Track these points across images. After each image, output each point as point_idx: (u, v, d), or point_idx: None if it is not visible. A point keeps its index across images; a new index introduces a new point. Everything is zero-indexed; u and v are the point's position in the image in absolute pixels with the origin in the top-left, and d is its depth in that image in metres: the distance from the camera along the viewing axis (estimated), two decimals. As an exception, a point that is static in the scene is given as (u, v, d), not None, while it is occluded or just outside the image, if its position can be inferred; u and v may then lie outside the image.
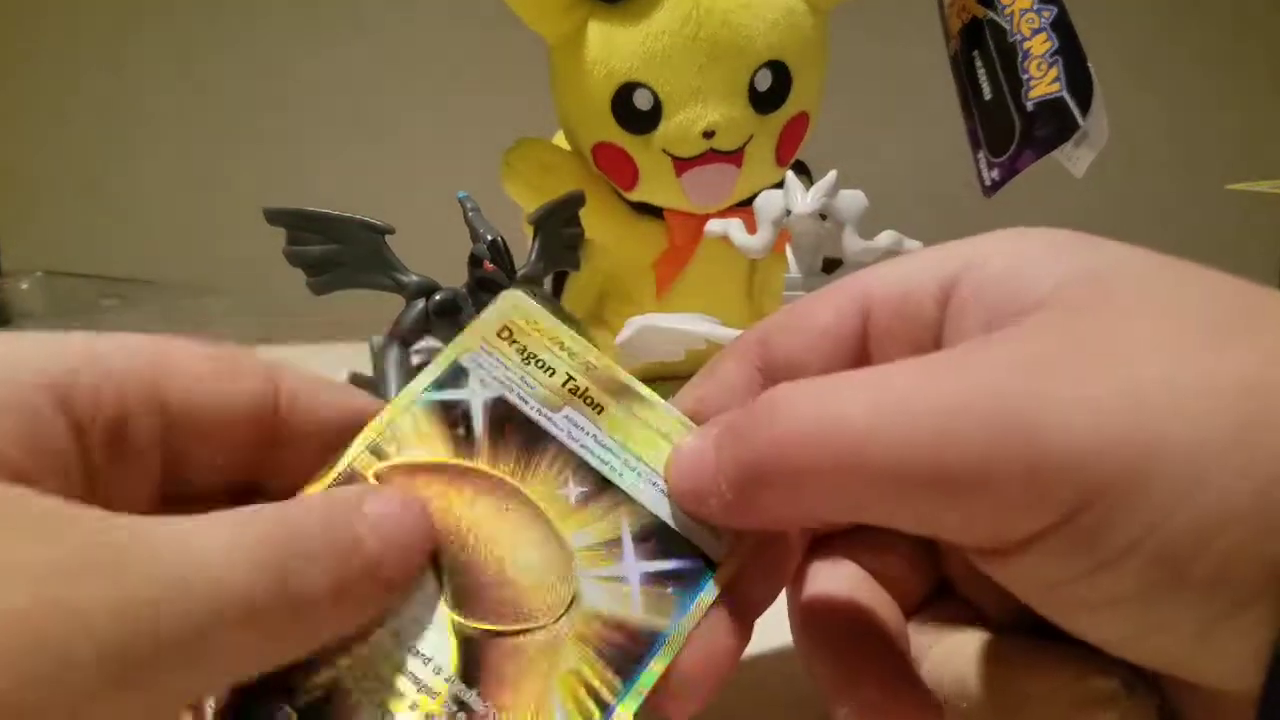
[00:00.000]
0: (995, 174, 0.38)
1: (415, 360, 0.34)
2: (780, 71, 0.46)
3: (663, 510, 0.18)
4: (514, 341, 0.20)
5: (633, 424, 0.20)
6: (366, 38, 1.20)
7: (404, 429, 0.19)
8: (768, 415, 0.15)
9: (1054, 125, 0.36)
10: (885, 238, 0.36)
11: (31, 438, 0.13)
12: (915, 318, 0.17)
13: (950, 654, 0.19)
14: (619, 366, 0.21)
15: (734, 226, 0.39)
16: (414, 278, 0.32)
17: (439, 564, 0.17)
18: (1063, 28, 0.36)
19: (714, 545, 0.18)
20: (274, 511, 0.14)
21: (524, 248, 0.35)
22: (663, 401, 0.21)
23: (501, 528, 0.18)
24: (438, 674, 0.16)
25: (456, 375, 0.19)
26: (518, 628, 0.17)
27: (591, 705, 0.17)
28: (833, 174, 0.36)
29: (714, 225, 0.40)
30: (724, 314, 0.41)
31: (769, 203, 0.37)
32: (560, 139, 0.53)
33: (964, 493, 0.13)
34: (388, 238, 0.32)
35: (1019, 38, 0.37)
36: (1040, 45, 0.36)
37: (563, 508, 0.18)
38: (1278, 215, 0.47)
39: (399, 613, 0.17)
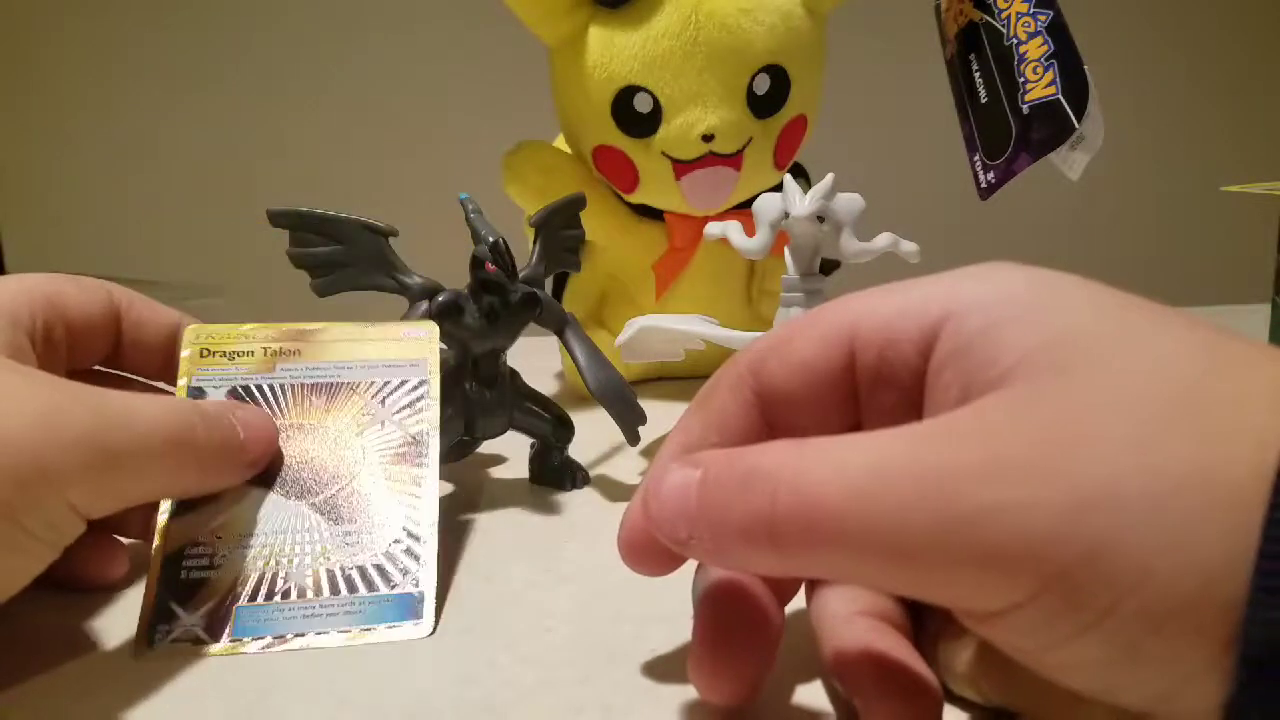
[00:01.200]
0: (991, 177, 0.39)
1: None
2: (779, 75, 0.46)
3: (377, 375, 0.29)
4: (212, 354, 0.28)
5: (327, 347, 0.29)
6: (369, 41, 1.21)
7: None
8: (750, 481, 0.16)
9: (1050, 128, 0.36)
10: (882, 239, 0.36)
11: (11, 346, 0.25)
12: (899, 364, 0.18)
13: (961, 643, 0.19)
14: (291, 323, 0.30)
15: (733, 229, 0.39)
16: (417, 279, 0.32)
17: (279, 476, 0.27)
18: (1058, 31, 0.36)
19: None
20: (187, 399, 0.27)
21: (525, 250, 0.36)
22: (331, 325, 0.30)
23: (295, 446, 0.28)
24: (314, 529, 0.26)
25: (196, 397, 0.28)
26: (336, 487, 0.27)
27: (410, 485, 0.28)
28: (830, 177, 0.36)
29: (713, 227, 0.40)
30: (723, 315, 0.41)
31: (767, 205, 0.37)
32: (561, 142, 0.53)
33: (928, 574, 0.15)
34: (390, 239, 0.32)
35: (1015, 41, 0.37)
36: (1036, 49, 0.37)
37: (320, 413, 0.28)
38: (1273, 217, 0.47)
39: (269, 508, 0.26)
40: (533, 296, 0.33)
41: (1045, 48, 0.36)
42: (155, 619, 0.24)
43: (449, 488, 0.36)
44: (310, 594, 0.25)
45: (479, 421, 0.34)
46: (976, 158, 0.40)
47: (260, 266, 0.44)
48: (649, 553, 0.21)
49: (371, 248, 0.32)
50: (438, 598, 0.25)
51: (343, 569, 0.26)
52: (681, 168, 0.46)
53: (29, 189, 1.20)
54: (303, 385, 0.29)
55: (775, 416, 0.20)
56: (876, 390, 0.19)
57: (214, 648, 0.24)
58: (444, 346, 0.34)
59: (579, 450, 0.37)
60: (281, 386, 0.28)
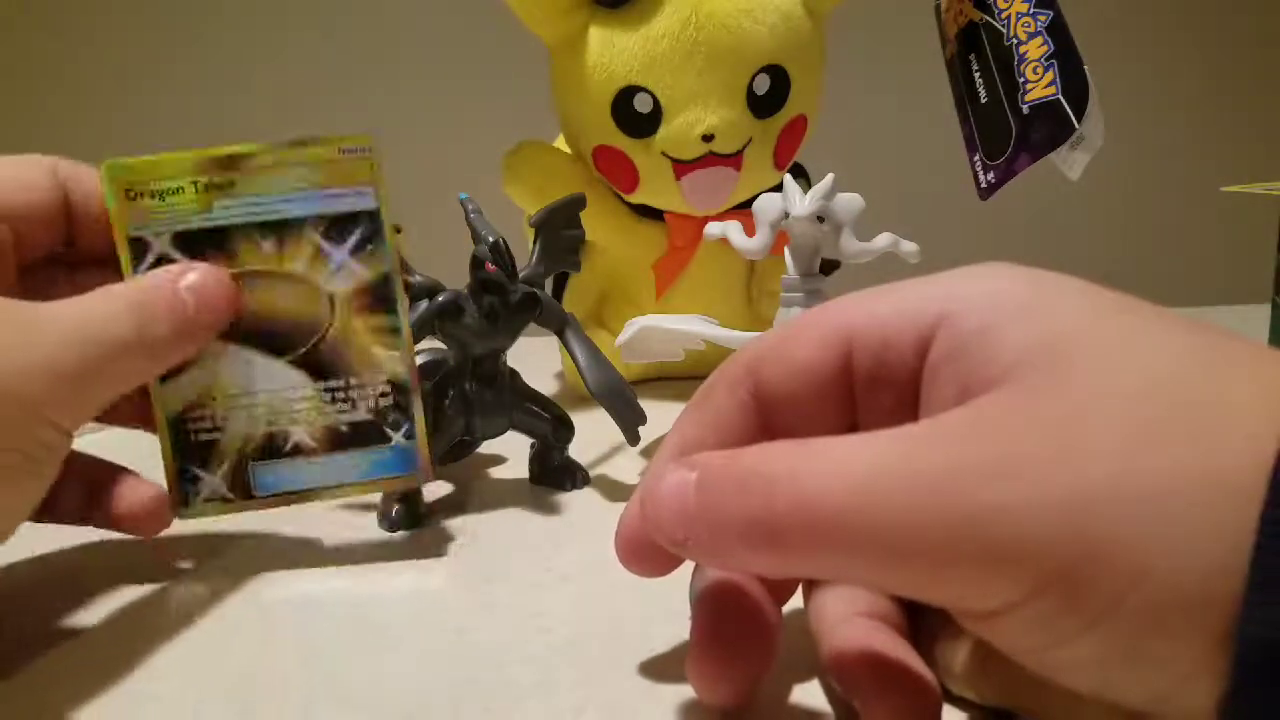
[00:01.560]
0: (991, 177, 0.39)
1: (420, 360, 0.34)
2: (778, 75, 0.46)
3: (324, 204, 0.27)
4: (140, 195, 0.27)
5: (262, 176, 0.27)
6: (368, 40, 1.21)
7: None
8: (748, 482, 0.16)
9: (1050, 128, 0.36)
10: (882, 239, 0.36)
11: None
12: (896, 364, 0.18)
13: (959, 643, 0.19)
14: (214, 148, 0.27)
15: (733, 229, 0.39)
16: (417, 279, 0.32)
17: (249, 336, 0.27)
18: (1059, 31, 0.36)
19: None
20: (128, 290, 0.25)
21: (525, 249, 0.36)
22: (261, 148, 0.27)
23: (260, 296, 0.27)
24: (301, 386, 0.27)
25: (139, 249, 0.27)
26: (313, 340, 0.27)
27: (383, 335, 0.28)
28: (830, 177, 0.36)
29: (713, 227, 0.40)
30: (723, 315, 0.41)
31: (767, 205, 0.37)
32: (561, 142, 0.53)
33: (926, 574, 0.15)
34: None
35: (1015, 41, 0.37)
36: (1036, 49, 0.37)
37: (271, 258, 0.27)
38: (1273, 217, 0.47)
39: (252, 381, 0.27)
40: (532, 297, 0.33)
41: (1045, 48, 0.36)
42: (182, 481, 0.27)
43: (448, 487, 0.36)
44: (316, 449, 0.28)
45: (479, 421, 0.34)
46: (976, 158, 0.40)
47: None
48: (646, 554, 0.21)
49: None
50: (429, 450, 0.28)
51: (338, 424, 0.28)
52: (681, 168, 0.46)
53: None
54: (249, 225, 0.27)
55: (772, 417, 0.20)
56: (873, 391, 0.19)
57: (243, 504, 0.27)
58: (444, 347, 0.34)
59: (579, 450, 0.37)
60: (227, 229, 0.27)
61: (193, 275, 0.26)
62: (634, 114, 0.45)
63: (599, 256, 0.51)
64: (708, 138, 0.45)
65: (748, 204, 0.40)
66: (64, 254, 0.28)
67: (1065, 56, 0.36)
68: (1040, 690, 0.18)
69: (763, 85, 0.46)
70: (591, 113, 0.46)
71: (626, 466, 0.38)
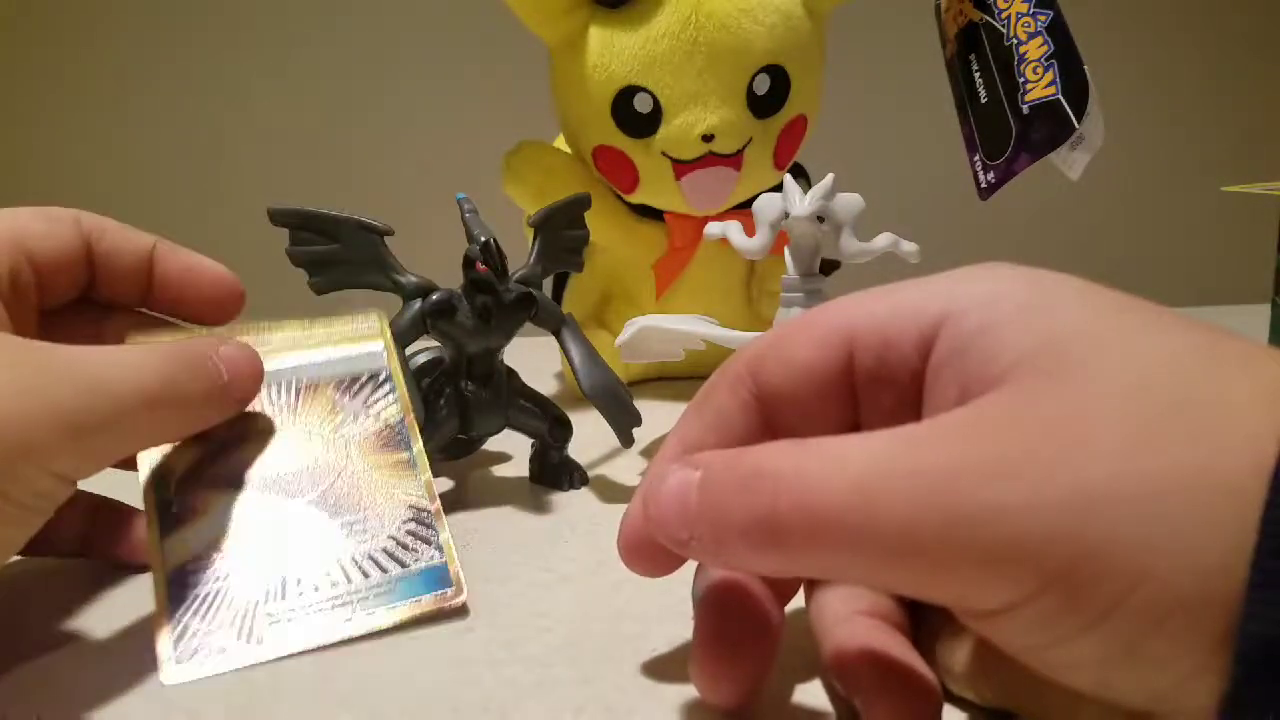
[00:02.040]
0: (991, 177, 0.39)
1: (418, 359, 0.34)
2: (778, 75, 0.46)
3: (336, 370, 0.29)
4: None
5: (276, 353, 0.29)
6: (368, 40, 1.21)
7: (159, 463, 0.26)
8: (751, 482, 0.16)
9: (1050, 128, 0.36)
10: (882, 239, 0.36)
11: None
12: (897, 365, 0.18)
13: (959, 644, 0.19)
14: (230, 326, 0.29)
15: (733, 229, 0.39)
16: (412, 278, 0.32)
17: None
18: (1059, 31, 0.36)
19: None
20: (166, 347, 0.24)
21: (526, 249, 0.36)
22: (274, 329, 0.30)
23: (275, 448, 0.27)
24: (315, 526, 0.26)
25: None
26: (329, 482, 0.27)
27: (401, 468, 0.28)
28: (830, 177, 0.36)
29: (713, 227, 0.40)
30: (723, 315, 0.41)
31: (767, 205, 0.37)
32: (561, 142, 0.53)
33: (928, 573, 0.15)
34: (387, 239, 0.32)
35: (1015, 41, 0.37)
36: (1036, 49, 0.37)
37: (289, 413, 0.28)
38: (1273, 217, 0.47)
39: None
40: (528, 296, 0.33)
41: (1045, 48, 0.36)
42: (178, 640, 0.23)
43: (448, 484, 0.36)
44: (334, 585, 0.25)
45: (475, 419, 0.34)
46: (976, 158, 0.40)
47: (261, 265, 0.44)
48: (649, 554, 0.21)
49: (367, 247, 0.32)
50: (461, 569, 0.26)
51: (356, 557, 0.25)
52: (681, 168, 0.46)
53: (30, 186, 1.20)
54: (264, 386, 0.28)
55: (774, 417, 0.20)
56: (875, 391, 0.19)
57: (250, 654, 0.23)
58: (438, 345, 0.34)
59: (579, 450, 0.37)
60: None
61: (230, 348, 0.26)
62: (634, 114, 0.45)
63: (599, 256, 0.51)
64: (708, 138, 0.45)
65: (748, 204, 0.40)
66: (92, 295, 0.28)
67: (1065, 56, 0.36)
68: (1040, 691, 0.18)
69: (763, 85, 0.46)
70: (591, 113, 0.46)
71: (625, 466, 0.38)
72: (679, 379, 0.54)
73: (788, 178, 0.37)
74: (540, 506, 0.34)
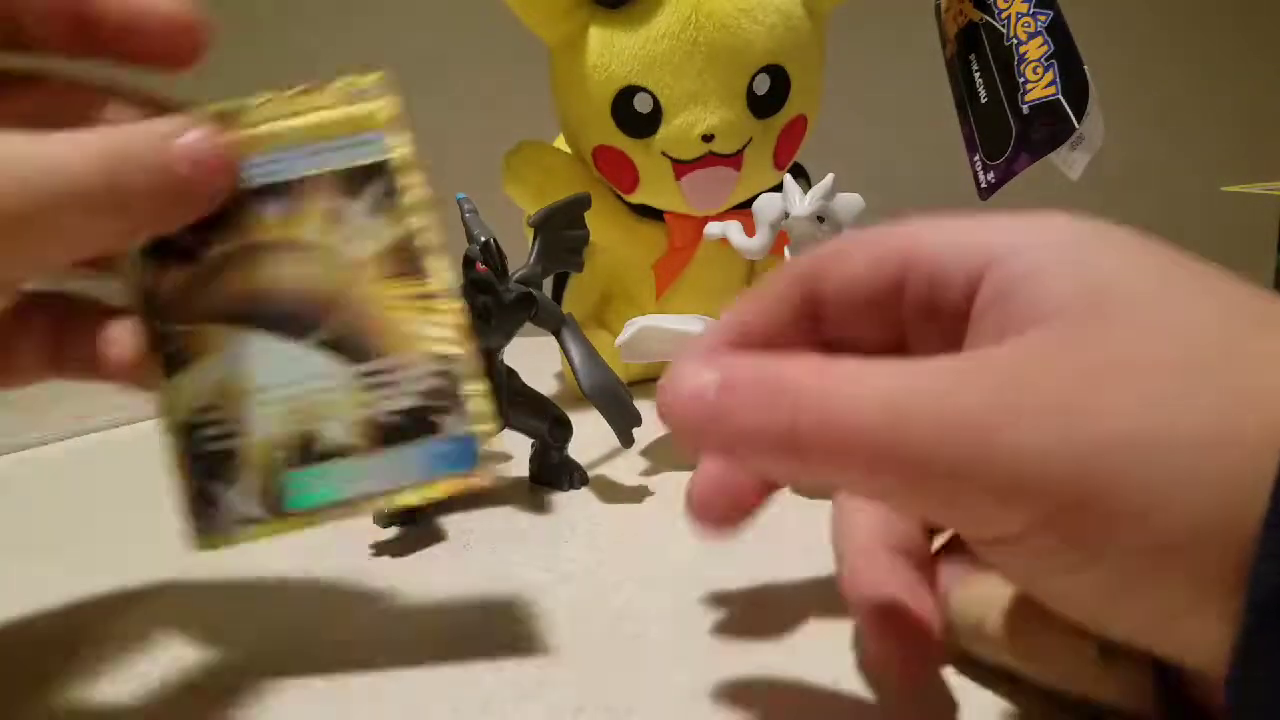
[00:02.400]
0: (991, 176, 0.39)
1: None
2: (778, 75, 0.46)
3: (336, 159, 0.23)
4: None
5: (260, 133, 0.23)
6: (367, 40, 1.21)
7: (148, 286, 0.22)
8: (775, 398, 0.16)
9: (1050, 128, 0.36)
10: (882, 240, 0.36)
11: None
12: (944, 301, 0.18)
13: (975, 598, 0.20)
14: (210, 104, 0.23)
15: (733, 229, 0.39)
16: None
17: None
18: (1059, 31, 0.36)
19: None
20: (106, 130, 0.19)
21: (526, 250, 0.36)
22: (261, 100, 0.23)
23: (274, 271, 0.22)
24: (330, 372, 0.22)
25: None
26: (337, 317, 0.22)
27: (420, 302, 0.22)
28: (830, 177, 0.36)
29: (713, 227, 0.40)
30: (723, 315, 0.41)
31: (767, 205, 0.37)
32: (561, 142, 0.53)
33: (942, 497, 0.15)
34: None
35: (1015, 41, 0.37)
36: (1036, 49, 0.37)
37: (276, 225, 0.23)
38: (1273, 217, 0.47)
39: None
40: (528, 296, 0.33)
41: (1045, 48, 0.36)
42: (200, 503, 0.21)
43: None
44: (359, 448, 0.22)
45: (478, 421, 0.34)
46: (976, 158, 0.40)
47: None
48: (719, 510, 0.20)
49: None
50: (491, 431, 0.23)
51: (380, 415, 0.22)
52: (681, 168, 0.46)
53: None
54: (249, 190, 0.23)
55: (822, 321, 0.20)
56: (921, 320, 0.19)
57: (278, 522, 0.22)
58: None
59: (578, 450, 0.37)
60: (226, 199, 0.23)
61: (188, 131, 0.21)
62: (634, 114, 0.45)
63: (599, 256, 0.51)
64: (707, 138, 0.45)
65: (748, 204, 0.40)
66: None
67: (1065, 56, 0.36)
68: (1046, 653, 0.18)
69: (763, 85, 0.46)
70: (591, 113, 0.46)
71: (625, 466, 0.38)
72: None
73: (788, 178, 0.37)
74: (540, 506, 0.34)
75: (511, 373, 0.35)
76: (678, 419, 0.17)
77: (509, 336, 0.34)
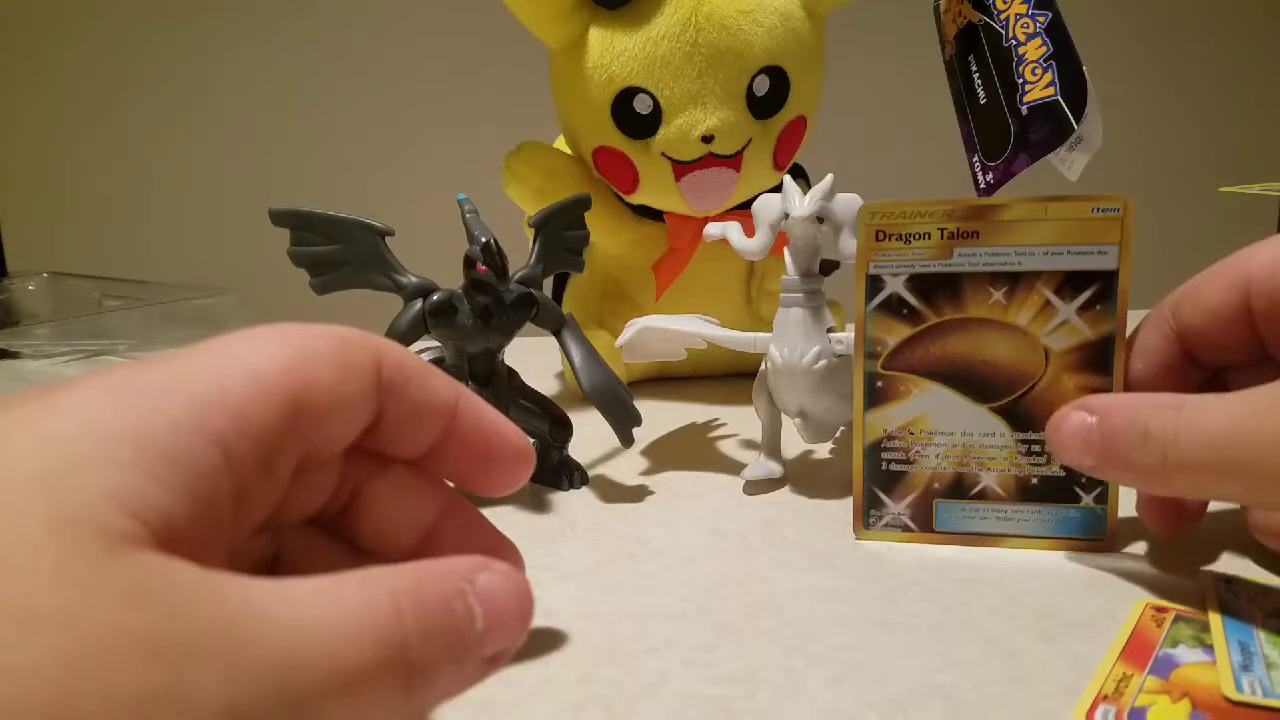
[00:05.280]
0: (990, 177, 0.39)
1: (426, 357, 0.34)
2: (778, 76, 0.46)
3: (1061, 262, 0.27)
4: (888, 236, 0.28)
5: (1007, 229, 0.27)
6: (369, 42, 1.21)
7: (871, 335, 0.28)
8: (1145, 444, 0.22)
9: (1049, 129, 0.36)
10: (882, 240, 0.36)
11: (193, 489, 0.13)
12: None
13: None
14: (968, 199, 0.28)
15: (732, 229, 0.39)
16: (412, 279, 0.32)
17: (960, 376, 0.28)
18: (1057, 32, 0.36)
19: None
20: (398, 580, 0.14)
21: (526, 250, 0.36)
22: (1012, 202, 0.27)
23: (977, 344, 0.28)
24: (998, 434, 0.28)
25: (875, 285, 0.28)
26: (1019, 392, 0.27)
27: (1099, 373, 0.27)
28: (830, 177, 0.36)
29: (713, 228, 0.40)
30: (723, 315, 0.41)
31: (767, 206, 0.37)
32: (561, 143, 0.53)
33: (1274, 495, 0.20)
34: (387, 239, 0.32)
35: (1014, 42, 0.37)
36: (1035, 50, 0.37)
37: (997, 308, 0.27)
38: (1272, 217, 0.47)
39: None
40: (528, 297, 0.33)
41: (1044, 49, 0.36)
42: (867, 504, 0.29)
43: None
44: (1003, 498, 0.28)
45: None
46: (976, 158, 0.40)
47: (261, 266, 0.44)
48: (1165, 515, 0.26)
49: (368, 247, 0.32)
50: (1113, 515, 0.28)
51: (1029, 476, 0.28)
52: (681, 169, 0.46)
53: (31, 187, 1.21)
54: (982, 274, 0.27)
55: (1191, 348, 0.26)
56: (1273, 327, 0.24)
57: (921, 535, 0.29)
58: (438, 345, 0.34)
59: (579, 450, 0.37)
60: (960, 275, 0.27)
61: (493, 580, 0.16)
62: (634, 115, 0.46)
63: (599, 257, 0.51)
64: (707, 139, 0.45)
65: (748, 204, 0.40)
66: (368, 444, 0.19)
67: (1064, 57, 0.36)
68: None
69: (762, 86, 0.46)
70: (591, 114, 0.46)
71: (625, 466, 0.38)
72: (679, 379, 0.54)
73: (787, 178, 0.37)
74: (540, 506, 0.34)
75: (512, 373, 0.35)
76: (1066, 449, 0.24)
77: (509, 337, 0.34)
